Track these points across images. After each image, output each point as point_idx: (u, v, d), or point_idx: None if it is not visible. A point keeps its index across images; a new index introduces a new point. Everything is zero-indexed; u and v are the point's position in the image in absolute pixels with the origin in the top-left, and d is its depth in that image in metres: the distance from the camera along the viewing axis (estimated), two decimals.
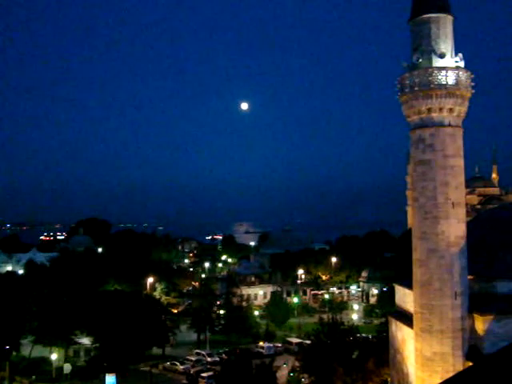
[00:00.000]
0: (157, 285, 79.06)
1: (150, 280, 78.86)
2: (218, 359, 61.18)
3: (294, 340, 68.82)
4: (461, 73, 27.64)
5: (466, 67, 28.19)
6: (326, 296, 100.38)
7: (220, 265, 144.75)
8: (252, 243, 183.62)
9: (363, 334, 58.77)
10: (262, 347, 66.39)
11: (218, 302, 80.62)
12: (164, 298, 76.14)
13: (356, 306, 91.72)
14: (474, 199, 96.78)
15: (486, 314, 27.03)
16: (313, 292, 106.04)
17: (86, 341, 61.91)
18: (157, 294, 76.32)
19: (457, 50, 28.52)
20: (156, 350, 66.48)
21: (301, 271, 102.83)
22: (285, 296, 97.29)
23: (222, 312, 77.00)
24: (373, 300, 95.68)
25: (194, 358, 62.12)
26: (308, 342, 53.59)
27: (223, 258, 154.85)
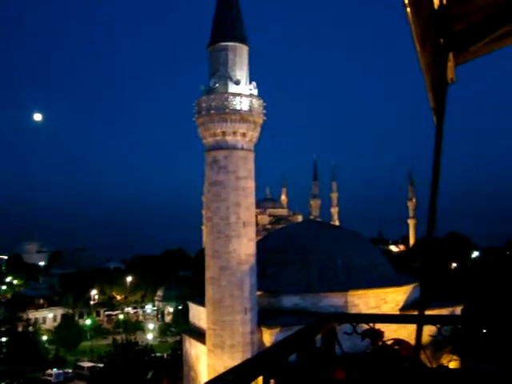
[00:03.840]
0: None
1: None
2: None
3: (86, 364, 65.70)
4: (254, 100, 29.35)
5: (260, 95, 30.07)
6: (121, 316, 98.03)
7: (4, 287, 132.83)
8: (42, 263, 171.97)
9: (158, 354, 58.51)
10: (51, 374, 62.20)
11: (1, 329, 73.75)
12: None
13: (151, 326, 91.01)
14: (265, 219, 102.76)
15: (273, 327, 28.81)
16: (107, 313, 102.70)
17: None
18: None
19: (251, 78, 30.26)
20: None
21: (94, 292, 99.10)
22: (77, 318, 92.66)
23: (4, 339, 70.50)
24: (168, 319, 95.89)
25: None
26: (101, 365, 51.64)
27: (8, 279, 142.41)
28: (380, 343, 3.35)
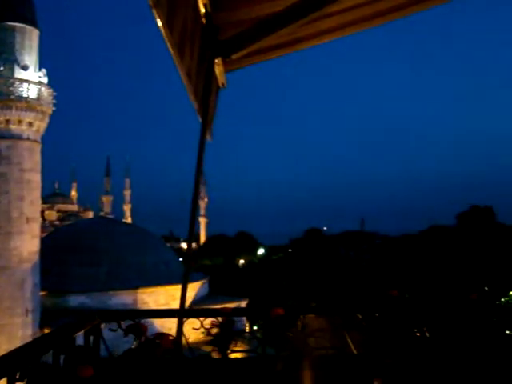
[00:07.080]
0: None
1: None
2: None
3: None
4: (43, 88, 27.71)
5: (50, 84, 28.42)
6: None
7: None
8: None
9: None
10: None
11: None
12: None
13: None
14: (53, 215, 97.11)
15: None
16: None
17: None
18: None
19: (42, 65, 28.50)
20: None
21: None
22: None
23: None
24: None
25: None
26: None
27: None
28: (143, 338, 3.43)
